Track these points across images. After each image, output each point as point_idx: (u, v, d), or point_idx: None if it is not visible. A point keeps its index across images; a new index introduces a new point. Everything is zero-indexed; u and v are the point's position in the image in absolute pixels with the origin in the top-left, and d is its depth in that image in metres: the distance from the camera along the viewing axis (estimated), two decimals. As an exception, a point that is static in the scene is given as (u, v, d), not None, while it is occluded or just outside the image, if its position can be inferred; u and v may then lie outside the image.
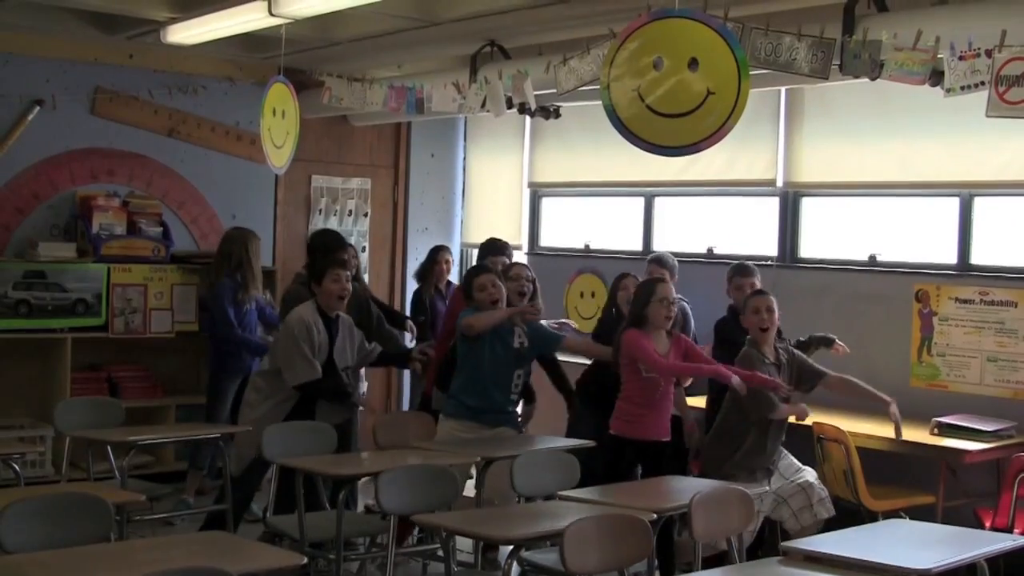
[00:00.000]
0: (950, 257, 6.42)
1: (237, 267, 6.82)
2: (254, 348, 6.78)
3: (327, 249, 6.23)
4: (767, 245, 7.24)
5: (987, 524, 5.31)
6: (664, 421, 5.57)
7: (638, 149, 4.69)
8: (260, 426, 5.50)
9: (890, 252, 6.70)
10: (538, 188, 8.86)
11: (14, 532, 3.67)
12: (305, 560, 3.68)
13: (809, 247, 7.15)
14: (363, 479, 5.11)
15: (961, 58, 4.50)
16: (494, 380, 5.59)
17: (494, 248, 6.83)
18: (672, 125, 4.48)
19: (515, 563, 4.18)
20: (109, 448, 5.55)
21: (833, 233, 7.10)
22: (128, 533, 4.77)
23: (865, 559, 3.70)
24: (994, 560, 4.03)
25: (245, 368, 6.77)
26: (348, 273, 5.80)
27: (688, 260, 7.20)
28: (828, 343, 6.05)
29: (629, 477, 5.55)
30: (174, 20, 6.76)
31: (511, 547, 4.11)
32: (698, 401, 6.18)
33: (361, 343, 5.92)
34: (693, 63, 4.39)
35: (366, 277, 8.39)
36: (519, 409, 5.94)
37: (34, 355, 7.27)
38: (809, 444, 5.89)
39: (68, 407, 5.86)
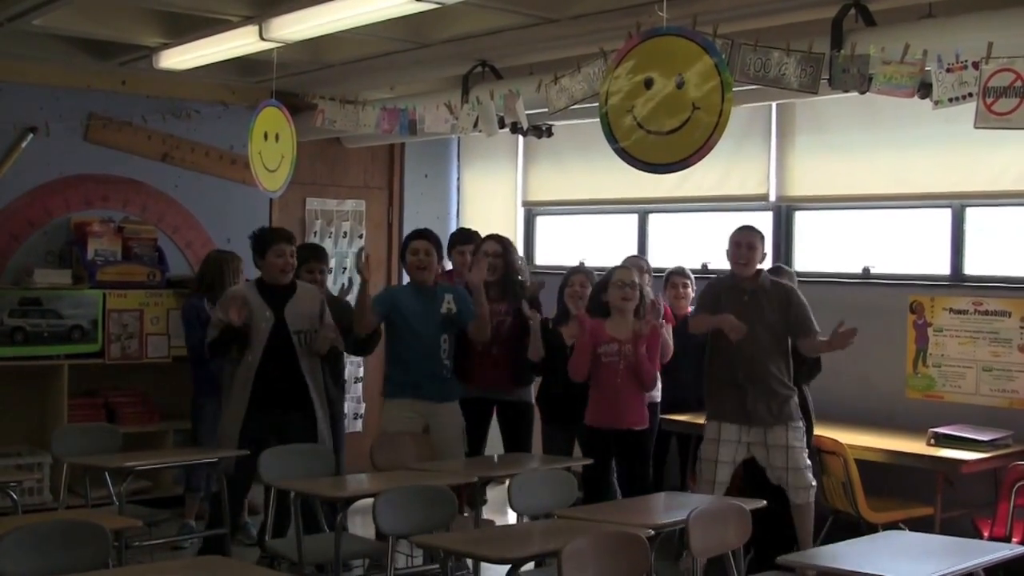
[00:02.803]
0: (943, 268, 6.45)
1: (208, 288, 6.79)
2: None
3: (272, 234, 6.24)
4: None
5: (985, 534, 5.32)
6: (632, 409, 5.60)
7: (631, 167, 4.72)
8: (228, 420, 5.72)
9: (884, 264, 6.73)
10: (532, 207, 8.88)
11: (12, 560, 3.65)
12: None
13: (803, 261, 7.17)
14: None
15: (949, 70, 4.53)
16: (422, 348, 5.77)
17: (463, 237, 6.85)
18: (662, 142, 4.51)
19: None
20: (107, 474, 5.54)
21: (826, 246, 7.13)
22: (128, 559, 4.75)
23: (864, 571, 3.70)
24: (994, 570, 4.04)
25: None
26: (292, 248, 5.91)
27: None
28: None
29: (607, 468, 5.58)
30: (166, 46, 6.79)
31: (509, 566, 4.10)
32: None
33: (323, 313, 5.93)
34: (680, 79, 4.42)
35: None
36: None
37: (30, 382, 7.26)
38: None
39: (65, 434, 5.86)
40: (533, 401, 6.31)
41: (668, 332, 6.07)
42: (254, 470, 5.48)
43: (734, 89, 5.28)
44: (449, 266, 6.75)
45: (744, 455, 5.47)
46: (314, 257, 6.50)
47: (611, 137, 4.68)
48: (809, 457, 5.58)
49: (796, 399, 5.49)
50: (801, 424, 5.48)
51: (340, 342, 6.01)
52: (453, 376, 5.92)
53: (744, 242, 5.53)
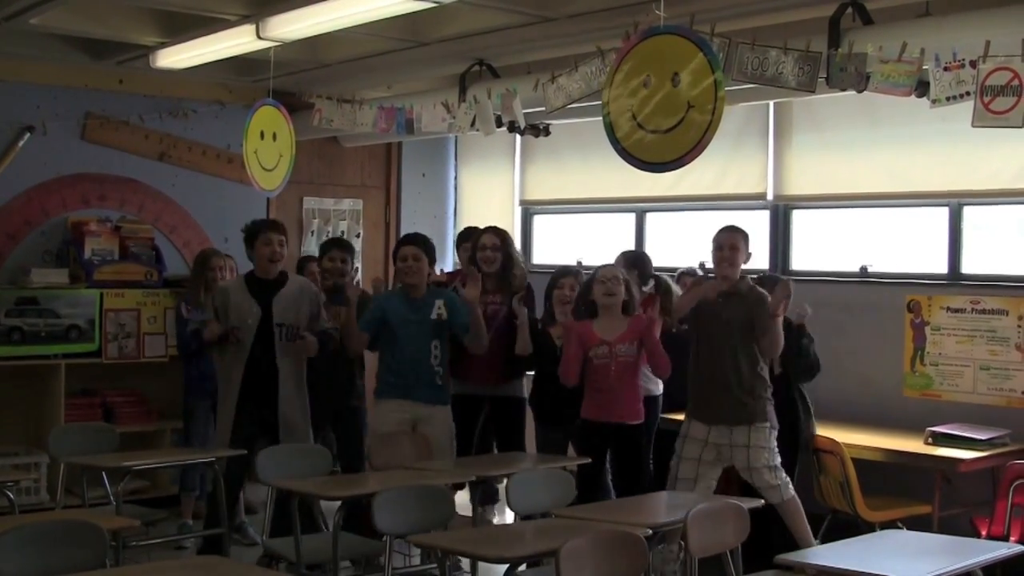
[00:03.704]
0: (941, 267, 6.45)
1: (192, 285, 6.86)
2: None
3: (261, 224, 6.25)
4: (759, 258, 7.21)
5: (983, 533, 5.32)
6: (627, 404, 5.59)
7: (629, 166, 4.72)
8: (222, 416, 5.75)
9: (881, 263, 6.73)
10: (529, 206, 8.88)
11: (9, 560, 3.64)
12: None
13: (800, 259, 7.18)
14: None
15: (946, 69, 4.53)
16: (412, 355, 5.74)
17: (468, 235, 6.84)
18: (659, 142, 4.51)
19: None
20: (104, 474, 5.54)
21: (824, 245, 7.12)
22: (125, 559, 4.75)
23: (861, 570, 3.70)
24: (992, 569, 4.04)
25: (211, 386, 6.70)
26: (281, 237, 5.89)
27: (680, 275, 7.21)
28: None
29: (601, 463, 5.57)
30: (163, 45, 6.78)
31: (506, 566, 4.10)
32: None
33: (314, 309, 5.92)
34: (675, 78, 4.42)
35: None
36: None
37: (27, 382, 7.25)
38: (805, 456, 5.90)
39: (62, 433, 5.85)
40: (525, 396, 6.30)
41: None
42: (247, 466, 5.48)
43: (732, 88, 5.30)
44: (449, 267, 6.74)
45: (713, 456, 5.42)
46: (337, 246, 6.52)
47: (612, 136, 4.69)
48: (798, 455, 5.59)
49: (764, 400, 5.39)
50: (767, 424, 5.36)
51: (315, 350, 5.90)
52: (445, 382, 5.87)
53: (727, 243, 5.42)
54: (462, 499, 5.33)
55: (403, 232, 9.09)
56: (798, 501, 5.42)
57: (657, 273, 6.36)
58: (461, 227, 9.29)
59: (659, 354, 5.58)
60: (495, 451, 6.37)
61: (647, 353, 5.59)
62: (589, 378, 5.62)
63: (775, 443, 5.41)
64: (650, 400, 5.95)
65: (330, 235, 8.76)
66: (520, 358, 6.01)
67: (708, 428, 5.41)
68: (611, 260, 8.16)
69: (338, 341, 5.99)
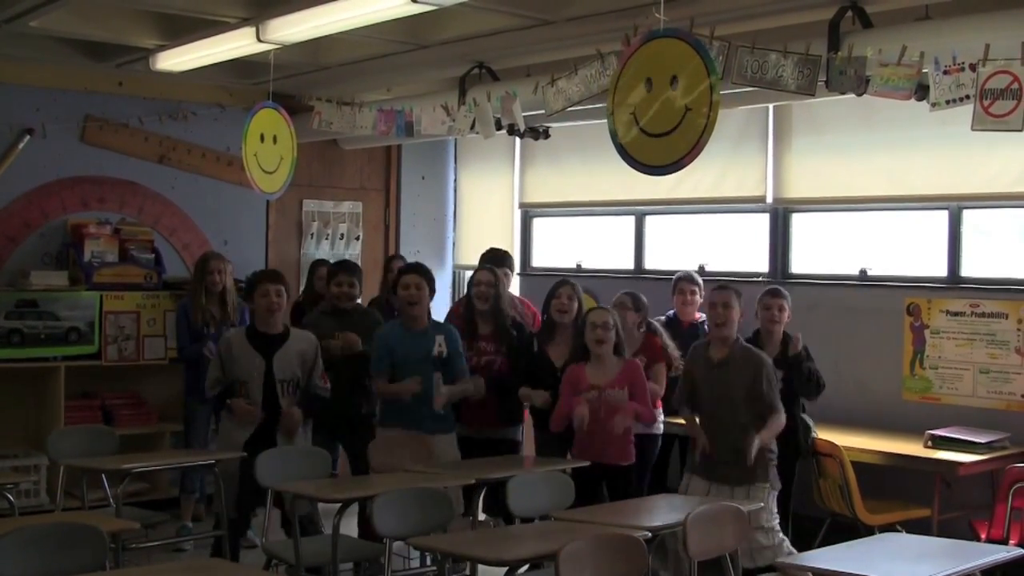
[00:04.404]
0: (940, 270, 6.45)
1: (193, 290, 6.88)
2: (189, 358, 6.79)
3: (258, 276, 6.19)
4: (758, 261, 7.26)
5: (983, 536, 5.32)
6: (615, 445, 5.55)
7: (628, 168, 4.72)
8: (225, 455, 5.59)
9: (881, 266, 6.73)
10: (529, 208, 8.88)
11: (9, 563, 3.65)
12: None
13: (800, 263, 7.18)
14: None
15: (946, 72, 4.53)
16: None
17: (494, 259, 6.80)
18: (660, 144, 4.51)
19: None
20: (104, 476, 5.53)
21: (823, 248, 7.13)
22: (125, 561, 4.75)
23: (861, 574, 3.70)
24: (991, 572, 4.04)
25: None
26: (278, 287, 5.77)
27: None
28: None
29: (595, 499, 5.52)
30: (163, 47, 6.78)
31: (506, 569, 4.10)
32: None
33: (309, 366, 5.77)
34: (674, 81, 4.43)
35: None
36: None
37: (27, 384, 7.25)
38: (804, 460, 5.90)
39: (62, 436, 5.85)
40: (522, 439, 6.25)
41: (661, 372, 6.03)
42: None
43: (732, 91, 5.33)
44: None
45: None
46: (343, 270, 6.45)
47: (616, 140, 4.68)
48: (796, 463, 5.57)
49: (767, 461, 5.31)
50: (766, 485, 5.28)
51: (297, 425, 5.72)
52: (449, 412, 5.84)
53: (720, 302, 5.40)
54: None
55: (402, 234, 9.14)
56: None
57: (649, 320, 6.27)
58: (461, 230, 9.36)
59: (644, 403, 5.57)
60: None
61: (636, 399, 5.55)
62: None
63: (775, 505, 5.34)
64: (648, 439, 5.94)
65: (329, 238, 8.77)
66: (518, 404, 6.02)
67: (708, 485, 5.35)
68: (609, 260, 8.25)
69: (329, 401, 5.86)
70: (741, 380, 5.32)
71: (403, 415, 5.73)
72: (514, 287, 7.48)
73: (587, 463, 5.54)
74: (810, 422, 5.90)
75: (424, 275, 5.87)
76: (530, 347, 6.08)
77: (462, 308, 6.36)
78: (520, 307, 6.60)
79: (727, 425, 5.32)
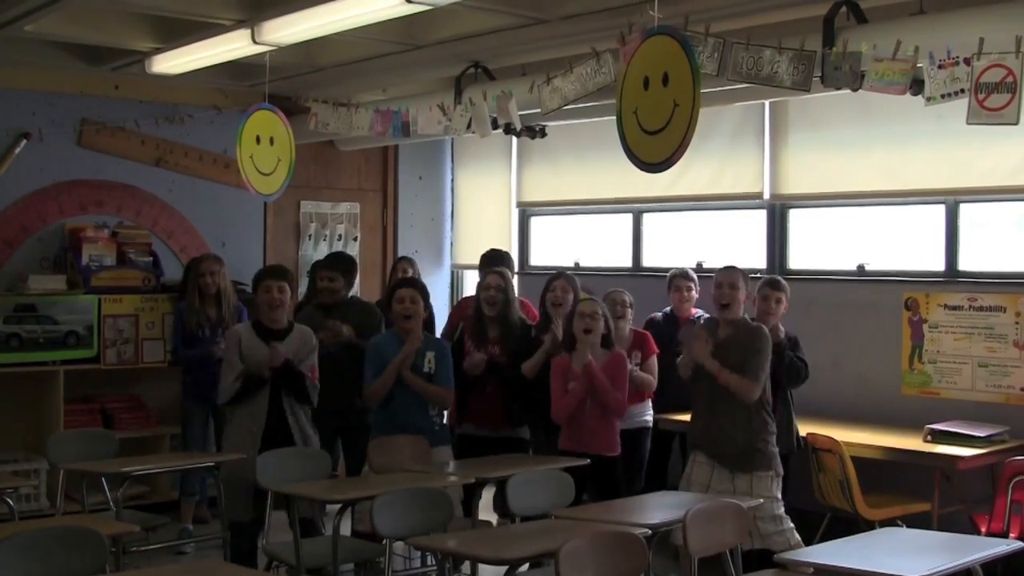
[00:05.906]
0: (938, 264, 6.45)
1: (188, 294, 6.90)
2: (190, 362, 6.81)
3: (262, 272, 6.25)
4: (756, 258, 7.26)
5: (983, 529, 5.32)
6: (600, 436, 5.57)
7: (625, 166, 4.73)
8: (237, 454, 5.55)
9: (878, 261, 6.74)
10: (526, 207, 8.89)
11: (9, 567, 3.65)
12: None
13: (797, 258, 7.18)
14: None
15: (940, 67, 4.53)
16: (410, 401, 5.71)
17: (493, 259, 6.81)
18: (654, 141, 4.52)
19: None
20: (103, 480, 5.53)
21: (821, 244, 7.13)
22: (125, 564, 4.75)
23: (861, 568, 3.70)
24: (992, 565, 4.04)
25: (209, 393, 6.56)
26: (281, 284, 5.77)
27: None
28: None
29: (581, 492, 5.53)
30: (158, 50, 6.78)
31: (506, 568, 4.10)
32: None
33: (303, 357, 5.74)
34: (665, 78, 4.43)
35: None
36: None
37: (26, 388, 7.25)
38: (804, 455, 5.90)
39: (61, 439, 5.85)
40: (528, 438, 6.20)
41: (653, 365, 6.05)
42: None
43: (727, 88, 5.32)
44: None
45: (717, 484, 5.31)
46: (324, 265, 6.52)
47: (622, 137, 4.68)
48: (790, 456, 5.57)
49: (768, 447, 5.27)
50: (770, 473, 5.24)
51: (278, 361, 5.68)
52: (443, 426, 5.88)
53: (726, 282, 5.33)
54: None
55: (400, 235, 9.14)
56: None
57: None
58: (459, 230, 9.36)
59: (621, 390, 5.56)
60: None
61: (613, 383, 5.55)
62: None
63: (779, 492, 5.29)
64: (640, 432, 5.93)
65: (327, 239, 8.77)
66: (525, 406, 6.00)
67: (712, 469, 5.29)
68: (607, 258, 8.24)
69: (315, 397, 5.80)
70: (739, 352, 5.26)
71: (396, 426, 5.71)
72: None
73: (586, 462, 5.54)
74: (792, 407, 5.84)
75: (420, 290, 5.89)
76: (531, 341, 6.08)
77: (471, 310, 6.32)
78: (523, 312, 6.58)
79: (727, 403, 5.27)
